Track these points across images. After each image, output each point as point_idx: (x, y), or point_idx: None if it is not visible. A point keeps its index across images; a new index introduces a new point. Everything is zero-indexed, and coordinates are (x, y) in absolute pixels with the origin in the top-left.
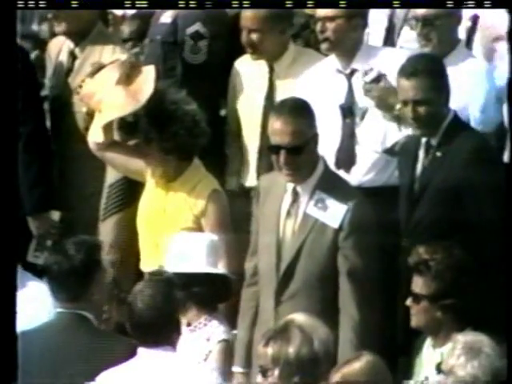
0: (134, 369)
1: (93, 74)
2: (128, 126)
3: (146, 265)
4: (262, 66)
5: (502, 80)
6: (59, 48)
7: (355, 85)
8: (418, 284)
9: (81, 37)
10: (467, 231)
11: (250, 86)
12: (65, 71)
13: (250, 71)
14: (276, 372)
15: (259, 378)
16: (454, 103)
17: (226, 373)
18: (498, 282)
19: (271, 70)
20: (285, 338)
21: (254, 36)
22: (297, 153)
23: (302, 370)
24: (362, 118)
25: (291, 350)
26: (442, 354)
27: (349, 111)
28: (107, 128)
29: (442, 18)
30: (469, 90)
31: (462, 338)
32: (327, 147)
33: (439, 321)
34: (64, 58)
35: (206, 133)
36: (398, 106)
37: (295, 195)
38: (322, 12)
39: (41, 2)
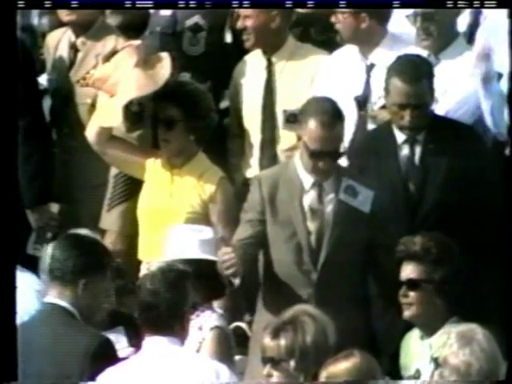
0: (138, 359)
1: (108, 58)
2: (133, 116)
3: (147, 253)
4: (260, 59)
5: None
6: (57, 41)
7: (373, 77)
8: (416, 271)
9: (83, 29)
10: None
11: (249, 80)
12: (66, 64)
13: (249, 65)
14: (292, 363)
15: (266, 371)
16: (453, 97)
17: (221, 360)
18: (494, 271)
19: (269, 64)
20: (298, 328)
21: (249, 22)
22: (336, 158)
23: (317, 360)
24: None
25: (308, 339)
26: (430, 344)
27: (364, 104)
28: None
29: (441, 12)
30: (468, 85)
31: (455, 329)
32: None
33: (436, 308)
34: (64, 50)
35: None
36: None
37: (320, 187)
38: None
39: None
